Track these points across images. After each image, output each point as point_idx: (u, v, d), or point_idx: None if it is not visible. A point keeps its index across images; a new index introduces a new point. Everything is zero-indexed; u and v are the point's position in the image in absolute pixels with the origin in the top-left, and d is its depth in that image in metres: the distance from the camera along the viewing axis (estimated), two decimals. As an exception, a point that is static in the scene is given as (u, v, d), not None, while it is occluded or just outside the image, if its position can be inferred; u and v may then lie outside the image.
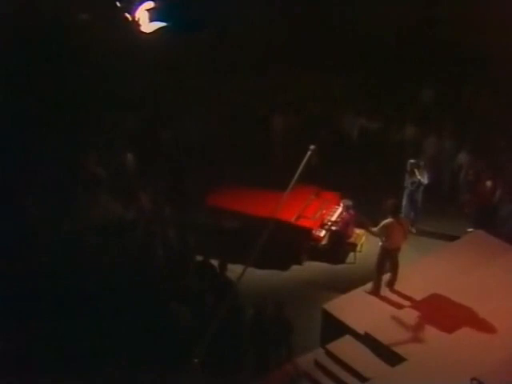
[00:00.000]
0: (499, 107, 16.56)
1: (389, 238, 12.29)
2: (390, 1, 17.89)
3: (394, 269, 12.56)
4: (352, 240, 14.82)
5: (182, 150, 17.02)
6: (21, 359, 11.77)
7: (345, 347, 11.72)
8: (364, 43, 18.03)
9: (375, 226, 12.43)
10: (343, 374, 11.40)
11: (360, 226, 14.24)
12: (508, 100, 16.21)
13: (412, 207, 15.30)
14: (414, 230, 15.04)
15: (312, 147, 10.77)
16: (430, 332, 11.50)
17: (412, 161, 15.23)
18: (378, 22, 17.90)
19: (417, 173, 15.13)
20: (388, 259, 12.47)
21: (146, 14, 13.62)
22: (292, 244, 14.37)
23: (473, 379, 10.18)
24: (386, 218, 12.27)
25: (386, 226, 12.23)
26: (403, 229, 12.42)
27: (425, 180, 15.21)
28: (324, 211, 14.97)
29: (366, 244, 14.68)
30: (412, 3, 17.95)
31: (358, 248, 14.79)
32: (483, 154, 15.86)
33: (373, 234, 12.82)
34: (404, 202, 15.24)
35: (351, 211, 14.80)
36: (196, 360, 9.86)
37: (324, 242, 14.76)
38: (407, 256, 13.32)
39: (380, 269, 12.49)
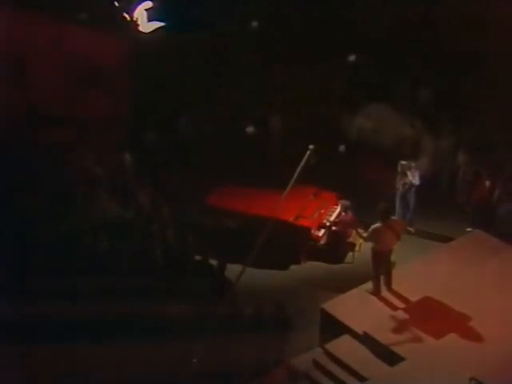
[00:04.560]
0: (498, 106, 16.56)
1: (378, 242, 12.35)
2: (388, 0, 17.92)
3: (388, 270, 12.58)
4: (351, 240, 14.85)
5: (180, 149, 17.06)
6: (20, 359, 11.77)
7: (343, 347, 11.74)
8: (362, 43, 18.03)
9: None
10: (342, 374, 11.41)
11: (353, 228, 14.24)
12: (507, 99, 16.22)
13: (405, 208, 15.30)
14: (412, 230, 15.08)
15: (311, 147, 10.79)
16: (429, 331, 11.51)
17: (403, 162, 15.21)
18: (377, 22, 17.91)
19: (408, 174, 15.13)
20: (381, 261, 12.48)
21: (145, 13, 13.69)
22: (291, 244, 14.37)
23: (471, 379, 10.20)
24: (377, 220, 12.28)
25: (374, 231, 12.27)
26: (393, 232, 12.33)
27: (416, 181, 15.20)
28: (322, 211, 15.00)
29: (365, 243, 14.67)
30: (411, 2, 17.96)
31: (357, 248, 14.80)
32: (482, 153, 15.88)
33: (363, 238, 12.86)
34: (397, 203, 15.27)
35: (349, 211, 14.81)
36: (196, 360, 9.89)
37: (323, 241, 14.79)
38: (406, 256, 13.33)
39: (375, 271, 12.54)
